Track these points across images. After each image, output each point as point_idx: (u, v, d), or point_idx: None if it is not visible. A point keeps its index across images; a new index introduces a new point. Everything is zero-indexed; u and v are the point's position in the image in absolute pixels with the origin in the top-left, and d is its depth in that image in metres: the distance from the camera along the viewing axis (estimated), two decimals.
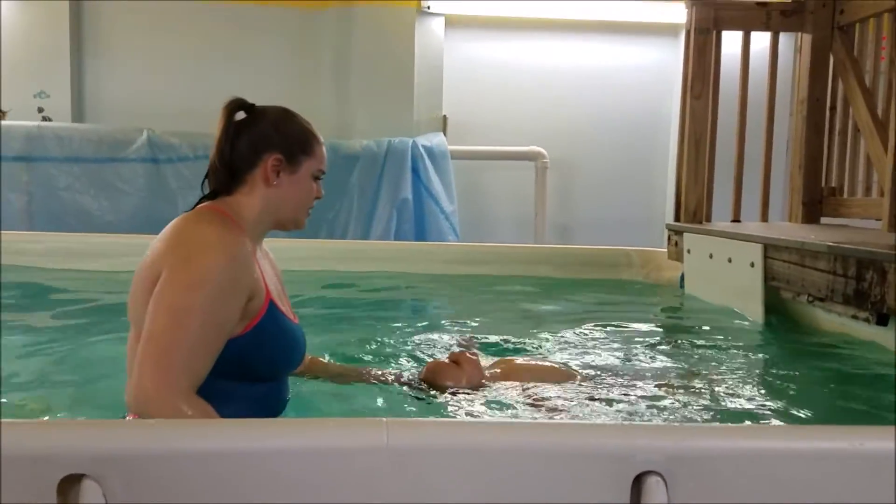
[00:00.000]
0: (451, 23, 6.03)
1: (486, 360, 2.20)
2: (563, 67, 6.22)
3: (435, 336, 2.76)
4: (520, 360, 2.32)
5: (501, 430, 1.21)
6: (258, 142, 1.71)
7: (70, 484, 1.12)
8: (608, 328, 3.04)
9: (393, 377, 2.08)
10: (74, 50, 5.71)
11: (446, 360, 2.07)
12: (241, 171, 1.71)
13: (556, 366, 2.26)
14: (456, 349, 2.39)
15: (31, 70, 5.61)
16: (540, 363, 2.33)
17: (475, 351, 2.30)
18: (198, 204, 1.73)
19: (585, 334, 2.88)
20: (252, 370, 1.64)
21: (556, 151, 6.06)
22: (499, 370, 2.13)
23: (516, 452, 1.16)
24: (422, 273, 4.32)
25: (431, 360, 2.22)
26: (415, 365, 2.31)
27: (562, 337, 2.86)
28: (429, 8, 5.88)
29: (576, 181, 6.31)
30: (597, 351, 2.61)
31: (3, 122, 5.42)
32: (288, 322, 1.73)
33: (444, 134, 5.92)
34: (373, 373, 2.11)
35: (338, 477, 1.17)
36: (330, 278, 4.13)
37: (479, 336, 2.84)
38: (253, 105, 1.76)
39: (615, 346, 2.70)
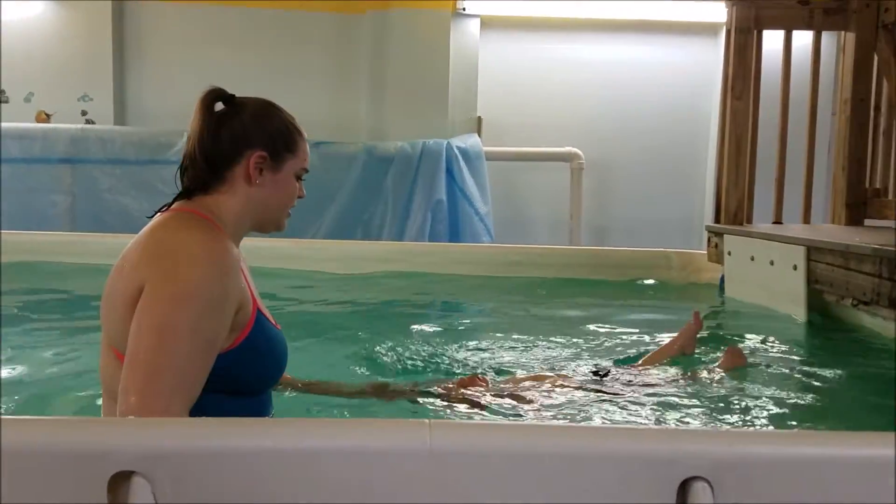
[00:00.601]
0: (487, 24, 6.02)
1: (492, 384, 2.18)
2: (600, 67, 6.17)
3: (467, 341, 2.76)
4: (522, 376, 2.28)
5: (547, 433, 1.20)
6: (240, 137, 1.59)
7: (120, 481, 1.15)
8: (647, 331, 3.01)
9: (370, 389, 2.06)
10: (117, 54, 5.83)
11: (455, 386, 2.05)
12: (220, 168, 1.59)
13: (553, 376, 2.25)
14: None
15: (74, 74, 5.73)
16: (542, 375, 2.29)
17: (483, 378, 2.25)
18: (172, 203, 1.61)
19: (623, 337, 2.86)
20: (241, 384, 1.54)
21: (592, 152, 6.01)
22: (505, 387, 2.12)
23: (562, 456, 1.15)
24: (455, 274, 4.32)
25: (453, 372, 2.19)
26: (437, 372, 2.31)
27: (599, 339, 2.84)
28: (464, 9, 5.88)
29: (612, 182, 6.25)
30: (635, 354, 2.59)
31: (48, 125, 5.56)
32: (274, 331, 1.64)
33: (479, 135, 5.92)
34: (343, 387, 2.08)
35: (379, 478, 1.17)
36: (361, 280, 4.14)
37: (514, 339, 2.83)
38: (233, 95, 1.64)
39: (654, 349, 2.67)
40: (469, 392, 2.01)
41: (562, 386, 2.12)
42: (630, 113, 6.18)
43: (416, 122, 5.79)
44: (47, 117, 5.69)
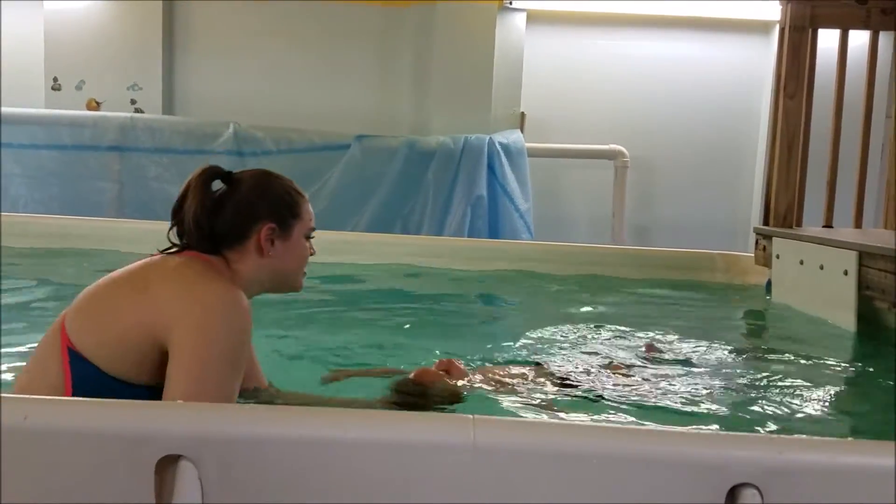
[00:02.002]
0: (533, 18, 5.97)
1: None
2: (647, 64, 6.08)
3: (503, 335, 2.74)
4: (497, 368, 2.27)
5: (595, 434, 1.18)
6: (246, 213, 1.62)
7: (167, 464, 1.16)
8: (689, 333, 2.96)
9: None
10: (166, 44, 5.92)
11: (433, 368, 2.04)
12: (228, 244, 1.63)
13: (530, 369, 2.23)
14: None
15: (125, 63, 5.83)
16: (518, 369, 2.27)
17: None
18: (179, 247, 1.63)
19: (667, 340, 2.81)
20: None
21: (636, 150, 5.94)
22: (479, 377, 2.11)
23: (609, 457, 1.14)
24: (494, 270, 4.30)
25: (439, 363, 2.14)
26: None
27: (640, 341, 2.80)
28: (510, 3, 5.84)
29: (657, 181, 6.16)
30: (678, 357, 2.55)
31: (98, 113, 5.67)
32: None
33: (522, 131, 5.88)
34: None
35: (422, 472, 1.17)
36: (401, 273, 4.15)
37: (549, 336, 2.81)
38: (230, 172, 1.67)
39: (698, 352, 2.63)
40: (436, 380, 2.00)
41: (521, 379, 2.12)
42: (676, 111, 6.09)
43: (459, 116, 5.78)
44: (97, 105, 5.80)
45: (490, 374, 2.15)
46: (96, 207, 5.26)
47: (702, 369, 2.36)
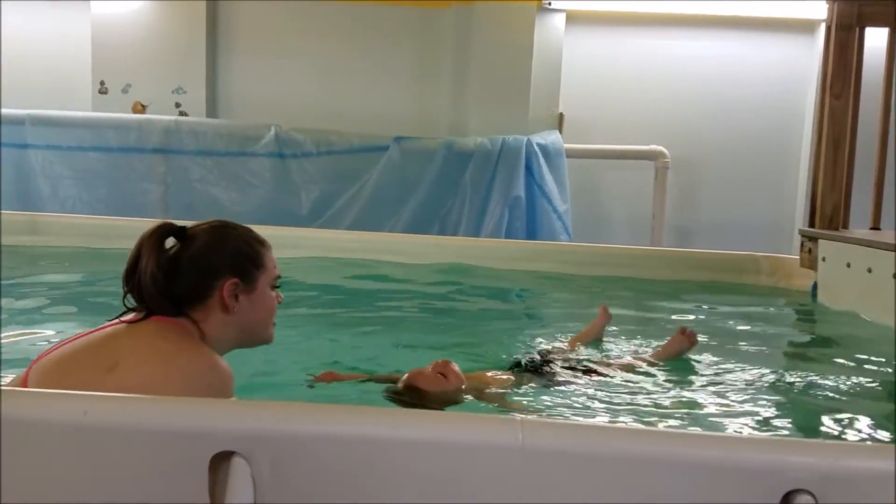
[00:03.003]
0: (573, 18, 5.94)
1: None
2: (689, 64, 6.01)
3: (542, 336, 2.73)
4: (489, 372, 2.25)
5: (646, 437, 1.18)
6: (205, 270, 1.53)
7: (220, 461, 1.19)
8: (732, 337, 2.92)
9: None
10: (210, 48, 6.02)
11: (429, 369, 2.01)
12: (190, 303, 1.53)
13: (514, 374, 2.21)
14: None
15: (170, 67, 5.94)
16: (505, 375, 2.25)
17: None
18: (139, 313, 1.51)
19: (710, 344, 2.77)
20: None
21: (677, 150, 5.87)
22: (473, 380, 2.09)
23: (661, 461, 1.13)
24: (531, 272, 4.28)
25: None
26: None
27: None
28: (549, 4, 5.82)
29: (698, 182, 6.09)
30: (722, 360, 2.51)
31: (144, 116, 5.79)
32: None
33: (560, 131, 5.85)
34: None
35: (469, 472, 1.18)
36: (437, 273, 4.16)
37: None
38: (183, 228, 1.57)
39: (742, 355, 2.59)
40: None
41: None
42: (718, 111, 6.00)
43: (497, 117, 5.77)
44: (143, 108, 5.92)
45: (477, 380, 2.13)
46: (142, 208, 5.37)
47: (748, 374, 2.33)
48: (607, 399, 2.01)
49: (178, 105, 5.94)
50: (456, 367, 1.96)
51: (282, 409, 1.20)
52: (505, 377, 2.19)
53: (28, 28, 6.14)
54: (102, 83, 5.96)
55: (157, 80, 5.92)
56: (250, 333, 1.60)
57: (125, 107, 5.89)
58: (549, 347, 2.59)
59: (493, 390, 2.06)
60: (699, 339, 2.50)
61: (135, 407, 1.20)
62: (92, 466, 1.19)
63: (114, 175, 5.54)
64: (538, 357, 2.37)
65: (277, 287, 1.63)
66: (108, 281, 3.52)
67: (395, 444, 1.17)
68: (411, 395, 1.95)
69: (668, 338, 2.51)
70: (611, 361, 2.40)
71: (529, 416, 1.19)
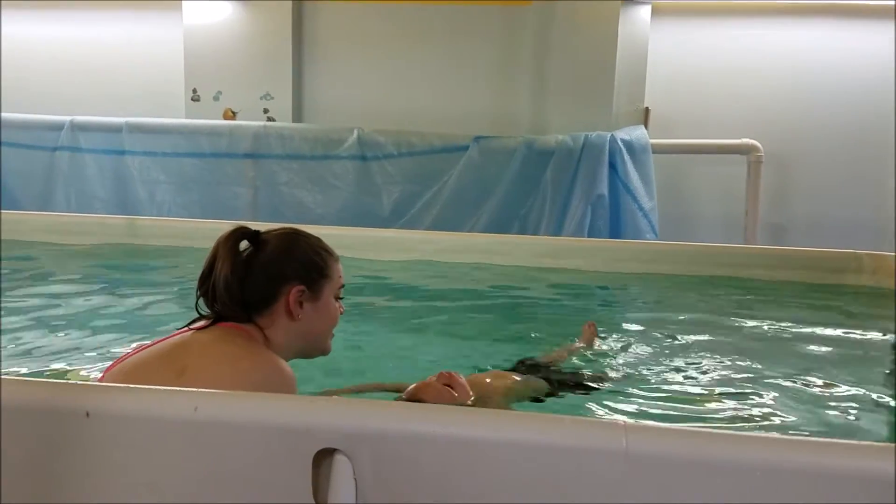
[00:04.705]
0: (659, 10, 5.80)
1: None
2: (782, 54, 5.77)
3: (629, 338, 2.67)
4: (488, 378, 2.16)
5: (761, 444, 1.13)
6: (275, 275, 1.57)
7: (323, 457, 1.20)
8: (835, 340, 2.78)
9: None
10: (296, 53, 6.16)
11: (434, 381, 1.90)
12: (258, 309, 1.57)
13: (522, 378, 2.14)
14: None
15: (258, 73, 6.12)
16: (512, 376, 2.17)
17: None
18: (210, 318, 1.56)
19: (811, 347, 2.65)
20: None
21: (770, 145, 5.64)
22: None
23: (773, 469, 1.08)
24: (616, 272, 4.18)
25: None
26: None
27: (780, 348, 2.65)
28: None
29: (793, 177, 5.84)
30: (825, 365, 2.39)
31: (234, 122, 5.98)
32: None
33: (646, 127, 5.71)
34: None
35: (570, 477, 1.15)
36: (518, 273, 4.11)
37: (677, 342, 2.71)
38: (257, 232, 1.61)
39: (848, 359, 2.46)
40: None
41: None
42: (814, 103, 5.74)
43: (579, 114, 5.68)
44: (233, 115, 6.12)
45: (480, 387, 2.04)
46: (233, 211, 5.54)
47: (855, 376, 2.21)
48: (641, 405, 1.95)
49: (266, 111, 6.11)
50: (462, 378, 1.90)
51: (385, 409, 1.21)
52: (510, 382, 2.13)
53: (124, 39, 6.46)
54: (195, 91, 6.18)
55: (246, 86, 6.10)
56: (311, 343, 1.63)
57: (216, 114, 6.10)
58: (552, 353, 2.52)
59: (498, 398, 2.00)
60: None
61: (243, 403, 1.23)
62: (201, 461, 1.23)
63: (207, 179, 5.73)
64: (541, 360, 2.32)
65: (341, 298, 1.66)
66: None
67: (496, 446, 1.15)
68: None
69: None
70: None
71: (631, 420, 1.15)
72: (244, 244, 1.60)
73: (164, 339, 1.57)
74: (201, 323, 1.58)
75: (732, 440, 1.16)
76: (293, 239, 1.63)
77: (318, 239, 1.67)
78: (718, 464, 1.10)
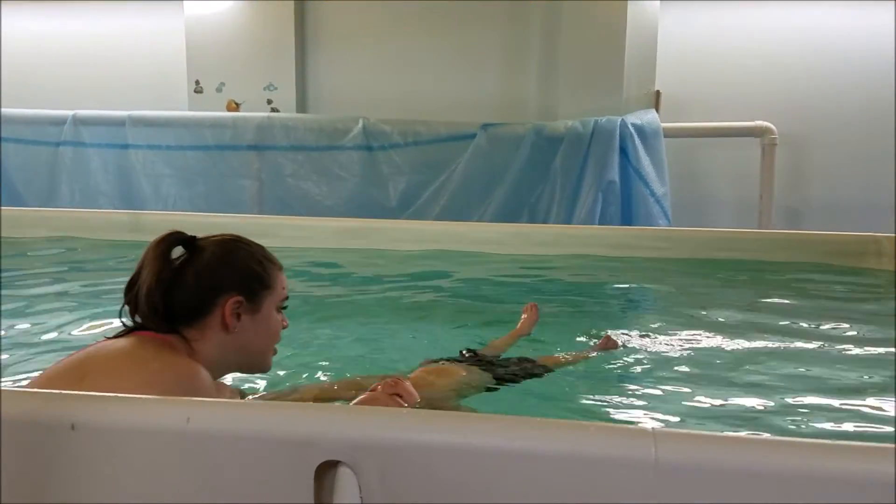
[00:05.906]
0: None
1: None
2: (795, 34, 5.65)
3: (643, 327, 2.59)
4: (431, 374, 2.05)
5: (796, 450, 1.04)
6: (209, 285, 1.45)
7: (326, 470, 1.13)
8: (856, 327, 2.68)
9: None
10: (299, 44, 6.07)
11: (379, 390, 1.70)
12: (187, 320, 1.45)
13: (463, 368, 2.05)
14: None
15: (261, 64, 6.04)
16: (458, 370, 2.07)
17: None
18: (128, 331, 1.45)
19: (831, 336, 2.56)
20: None
21: (784, 126, 5.53)
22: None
23: (810, 477, 0.99)
24: (628, 258, 4.10)
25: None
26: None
27: (805, 337, 2.56)
28: None
29: (808, 159, 5.73)
30: (847, 357, 2.30)
31: (238, 114, 5.91)
32: None
33: (657, 110, 5.60)
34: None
35: (593, 490, 1.07)
36: (528, 262, 4.03)
37: (693, 332, 2.63)
38: (193, 238, 1.50)
39: (870, 349, 2.37)
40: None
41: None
42: (829, 83, 5.62)
43: (589, 99, 5.57)
44: (237, 106, 6.05)
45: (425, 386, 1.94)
46: (239, 204, 5.48)
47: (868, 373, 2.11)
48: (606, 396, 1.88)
49: (269, 102, 6.04)
50: (408, 383, 1.76)
51: (394, 417, 1.13)
52: (455, 379, 2.02)
53: (125, 32, 6.39)
54: (198, 83, 6.11)
55: (249, 77, 6.03)
56: (248, 358, 1.52)
57: (220, 105, 6.03)
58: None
59: (445, 395, 1.91)
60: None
61: (238, 413, 1.16)
62: (195, 474, 1.16)
63: (211, 172, 5.68)
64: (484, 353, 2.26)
65: (284, 309, 1.55)
66: None
67: (512, 456, 1.07)
68: None
69: None
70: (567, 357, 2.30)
71: (661, 427, 1.06)
72: (179, 250, 1.50)
73: (79, 351, 1.47)
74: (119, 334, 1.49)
75: (773, 446, 1.07)
76: (232, 247, 1.52)
77: (260, 247, 1.56)
78: (763, 473, 1.01)
